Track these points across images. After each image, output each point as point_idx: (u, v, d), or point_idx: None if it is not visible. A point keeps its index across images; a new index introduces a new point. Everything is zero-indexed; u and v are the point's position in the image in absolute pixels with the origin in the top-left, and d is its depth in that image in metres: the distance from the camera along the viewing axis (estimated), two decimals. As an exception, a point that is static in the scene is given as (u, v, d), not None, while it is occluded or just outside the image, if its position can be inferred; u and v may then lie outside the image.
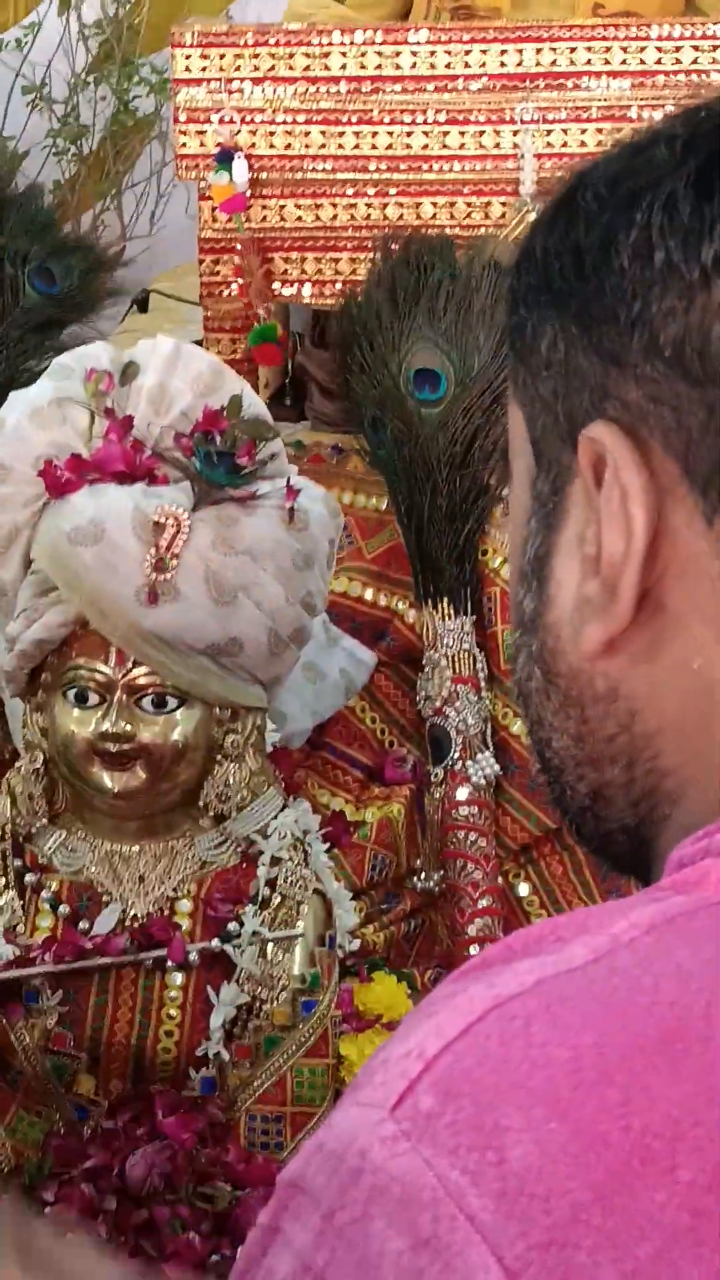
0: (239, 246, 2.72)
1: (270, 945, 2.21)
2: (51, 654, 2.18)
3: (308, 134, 2.71)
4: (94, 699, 2.16)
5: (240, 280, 2.72)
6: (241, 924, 2.21)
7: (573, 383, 0.84)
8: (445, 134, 2.70)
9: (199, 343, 2.59)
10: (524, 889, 2.46)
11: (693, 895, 0.76)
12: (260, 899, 2.22)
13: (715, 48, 2.65)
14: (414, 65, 2.68)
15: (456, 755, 2.41)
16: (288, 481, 2.18)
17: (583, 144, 2.69)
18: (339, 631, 2.45)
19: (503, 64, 2.68)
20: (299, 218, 2.74)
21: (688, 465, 0.80)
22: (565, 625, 0.86)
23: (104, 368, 2.19)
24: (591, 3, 3.23)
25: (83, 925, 2.22)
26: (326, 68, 2.69)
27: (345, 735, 2.47)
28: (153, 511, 2.11)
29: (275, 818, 2.26)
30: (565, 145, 2.70)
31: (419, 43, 2.69)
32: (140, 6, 4.11)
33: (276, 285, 2.76)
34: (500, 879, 2.42)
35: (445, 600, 2.43)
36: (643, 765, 0.85)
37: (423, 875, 2.41)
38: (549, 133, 2.69)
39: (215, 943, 2.20)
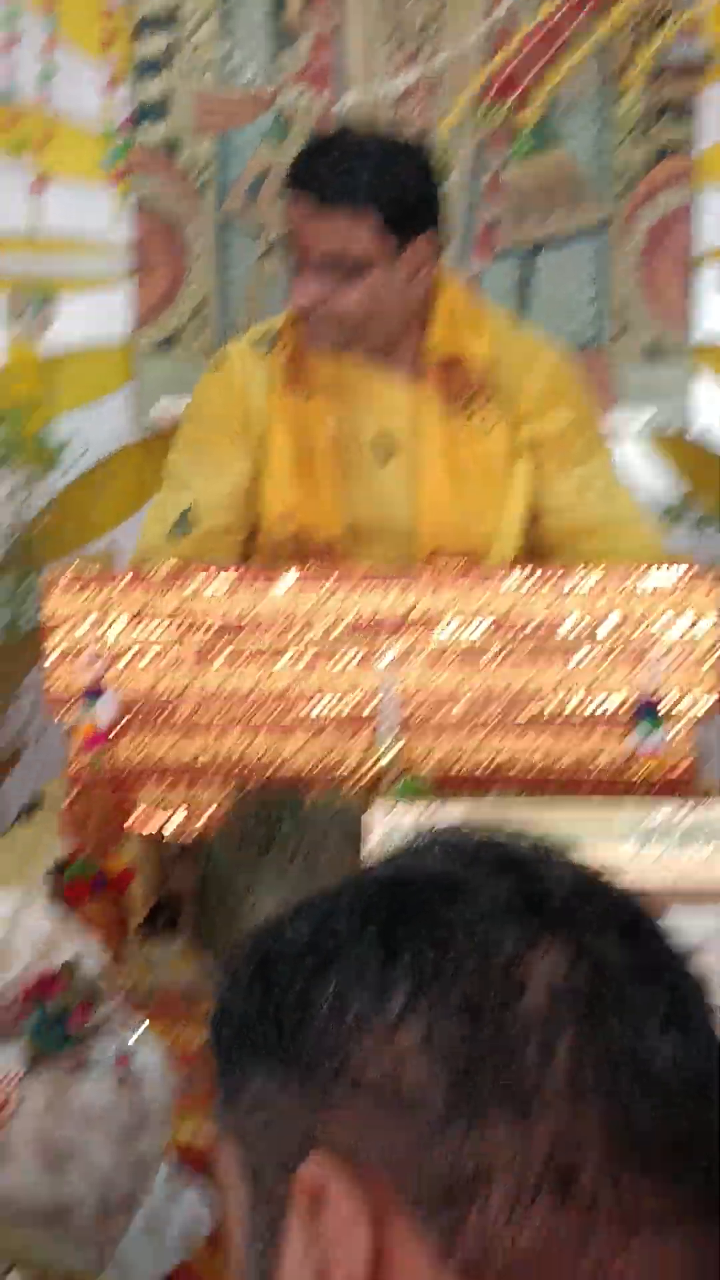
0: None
1: None
2: None
3: (177, 671, 2.79)
4: None
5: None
6: None
7: (285, 1121, 0.91)
8: (309, 673, 2.79)
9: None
10: None
11: None
12: None
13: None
14: (279, 607, 2.78)
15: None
16: (121, 1045, 2.18)
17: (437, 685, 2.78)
18: (185, 1181, 2.42)
19: (367, 608, 2.78)
20: (167, 751, 2.81)
21: (401, 1184, 0.87)
22: None
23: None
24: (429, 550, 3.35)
25: None
26: (194, 609, 2.79)
27: (186, 1285, 2.43)
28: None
29: None
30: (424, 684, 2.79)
31: (287, 585, 2.79)
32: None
33: (142, 819, 2.82)
34: None
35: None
36: None
37: None
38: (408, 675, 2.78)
39: None
